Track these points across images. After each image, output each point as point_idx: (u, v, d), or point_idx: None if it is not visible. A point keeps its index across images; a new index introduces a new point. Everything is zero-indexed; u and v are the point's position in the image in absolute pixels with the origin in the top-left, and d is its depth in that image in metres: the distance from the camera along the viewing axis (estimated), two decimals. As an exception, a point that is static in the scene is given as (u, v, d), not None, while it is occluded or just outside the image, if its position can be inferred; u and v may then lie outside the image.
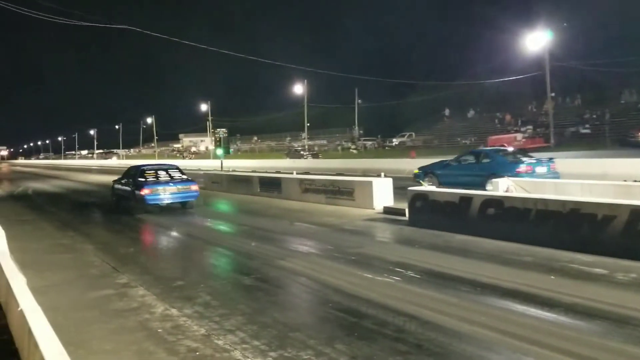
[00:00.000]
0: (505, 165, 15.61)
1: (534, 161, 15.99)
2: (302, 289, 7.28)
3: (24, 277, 5.94)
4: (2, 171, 71.62)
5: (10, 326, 5.51)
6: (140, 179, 16.47)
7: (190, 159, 77.52)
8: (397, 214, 13.12)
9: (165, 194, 15.99)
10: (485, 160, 16.61)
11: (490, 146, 42.50)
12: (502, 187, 13.23)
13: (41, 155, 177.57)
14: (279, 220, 13.85)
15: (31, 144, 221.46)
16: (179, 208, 16.72)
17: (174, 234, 12.59)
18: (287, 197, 18.49)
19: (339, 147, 66.10)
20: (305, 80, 61.76)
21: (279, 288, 7.35)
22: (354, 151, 58.74)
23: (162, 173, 16.90)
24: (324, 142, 76.65)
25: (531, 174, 15.10)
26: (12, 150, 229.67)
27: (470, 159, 17.29)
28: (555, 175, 15.60)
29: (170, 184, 16.27)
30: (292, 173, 25.18)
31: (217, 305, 6.59)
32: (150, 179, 16.44)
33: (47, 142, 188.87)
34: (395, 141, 63.05)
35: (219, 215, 16.28)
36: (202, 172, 29.82)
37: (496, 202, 10.12)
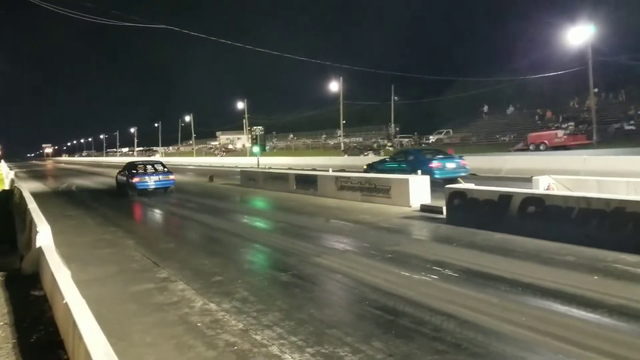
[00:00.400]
0: (423, 162, 18.76)
1: (444, 158, 19.31)
2: (339, 286, 7.28)
3: (68, 270, 6.11)
4: (47, 168, 74.04)
5: (55, 318, 5.69)
6: (133, 171, 21.94)
7: (221, 156, 78.42)
8: (435, 211, 12.98)
9: (150, 182, 21.55)
10: (410, 158, 20.04)
11: (530, 143, 41.75)
12: (542, 185, 12.93)
13: (84, 153, 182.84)
14: (314, 217, 13.88)
15: (74, 142, 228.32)
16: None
17: (213, 230, 12.76)
18: (322, 194, 18.52)
19: (375, 145, 65.75)
20: (341, 78, 61.63)
21: (316, 285, 7.36)
22: (390, 148, 58.34)
23: (149, 167, 22.56)
24: (360, 139, 76.42)
25: (442, 169, 18.53)
26: (56, 147, 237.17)
27: (401, 157, 21.11)
28: (465, 170, 19.26)
29: (154, 175, 21.82)
30: (327, 170, 25.22)
31: (255, 300, 6.65)
32: (140, 171, 21.98)
33: (90, 139, 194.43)
34: (432, 138, 62.38)
35: (256, 212, 16.43)
36: (238, 170, 30.17)
37: (537, 200, 9.90)
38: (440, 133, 63.44)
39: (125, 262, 9.34)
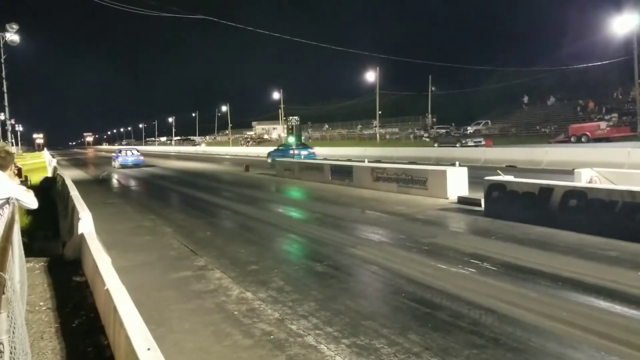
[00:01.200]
0: (288, 151, 31.84)
1: (299, 147, 32.61)
2: (374, 278, 7.25)
3: (109, 257, 6.25)
4: (88, 156, 76.06)
5: (96, 304, 5.83)
6: (118, 153, 38.97)
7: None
8: (472, 204, 12.79)
9: (127, 160, 37.33)
10: (282, 148, 34.92)
11: (572, 135, 40.66)
12: (585, 178, 12.57)
13: (123, 141, 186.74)
14: (350, 208, 13.86)
15: (114, 130, 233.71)
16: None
17: (249, 219, 12.87)
18: (358, 185, 18.46)
19: (411, 136, 65.16)
20: (377, 67, 61.17)
21: (351, 276, 7.35)
22: (427, 139, 57.73)
23: (129, 152, 39.20)
24: (396, 130, 75.81)
25: (298, 155, 30.42)
26: (97, 136, 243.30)
27: (281, 147, 35.63)
28: (313, 156, 32.69)
29: (130, 155, 38.18)
30: (363, 161, 25.12)
31: (290, 290, 6.68)
32: (122, 153, 38.76)
33: (129, 128, 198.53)
34: (469, 129, 61.38)
35: (291, 202, 16.49)
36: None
37: (579, 194, 9.63)
38: (479, 124, 62.36)
39: (163, 250, 9.51)
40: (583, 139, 39.07)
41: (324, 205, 14.78)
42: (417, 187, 15.50)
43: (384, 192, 16.48)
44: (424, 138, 59.31)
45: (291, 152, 30.72)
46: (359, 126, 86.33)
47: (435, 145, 46.30)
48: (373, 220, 11.92)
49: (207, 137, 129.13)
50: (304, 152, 32.64)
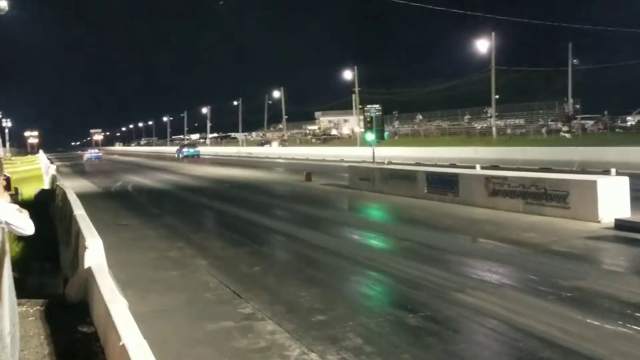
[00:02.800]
0: (181, 149, 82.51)
1: (189, 147, 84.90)
2: (493, 337, 7.10)
3: (125, 300, 6.42)
4: (96, 160, 79.16)
5: (109, 363, 5.99)
6: (182, 148, 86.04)
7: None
8: (637, 230, 12.36)
9: (189, 151, 79.72)
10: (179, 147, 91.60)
11: None
12: None
13: (142, 140, 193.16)
14: (454, 234, 13.72)
15: (130, 126, 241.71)
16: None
17: (311, 249, 12.93)
18: (466, 201, 18.20)
19: (543, 130, 63.61)
20: (493, 33, 59.98)
21: (458, 333, 7.25)
22: (566, 135, 56.18)
23: (92, 150, 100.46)
24: (521, 121, 74.20)
25: (190, 153, 77.01)
26: (107, 134, 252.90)
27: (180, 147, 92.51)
28: (198, 152, 79.55)
29: (190, 148, 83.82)
30: (473, 167, 24.79)
31: (373, 352, 6.65)
32: (88, 150, 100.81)
33: (150, 123, 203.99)
34: (630, 120, 59.27)
35: (370, 224, 16.45)
36: (345, 165, 30.40)
37: None
38: (643, 112, 60.21)
39: (196, 290, 9.70)
40: None
41: (417, 229, 14.65)
42: (554, 204, 15.10)
43: (504, 212, 16.16)
44: (562, 133, 57.72)
45: (183, 150, 60.47)
46: (467, 116, 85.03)
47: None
48: (489, 252, 11.73)
49: (254, 134, 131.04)
50: (191, 150, 68.75)
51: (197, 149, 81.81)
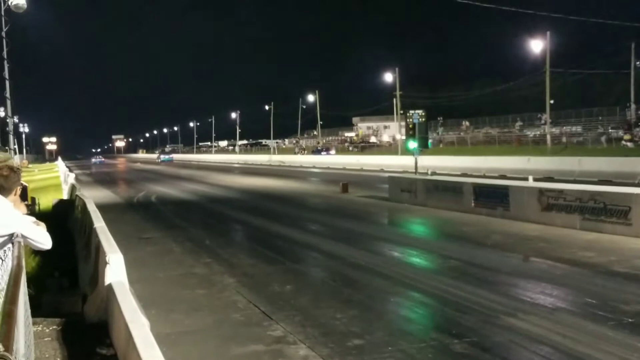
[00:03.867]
0: (163, 156, 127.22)
1: (167, 154, 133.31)
2: (547, 366, 7.01)
3: (147, 320, 6.45)
4: (118, 168, 79.99)
5: (130, 389, 6.01)
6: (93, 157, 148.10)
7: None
8: None
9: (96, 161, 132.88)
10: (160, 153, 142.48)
11: None
12: None
13: (167, 148, 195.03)
14: (505, 253, 13.62)
15: (154, 132, 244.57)
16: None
17: (347, 267, 12.91)
18: (517, 216, 18.05)
19: (603, 138, 62.82)
20: (548, 33, 59.45)
21: (509, 361, 7.16)
22: (628, 144, 55.41)
23: (98, 157, 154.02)
24: (578, 129, 73.42)
25: (165, 159, 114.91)
26: (130, 140, 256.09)
27: (161, 153, 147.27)
28: (171, 159, 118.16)
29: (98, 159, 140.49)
30: (526, 179, 24.57)
31: (414, 381, 6.59)
32: (94, 158, 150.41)
33: (176, 128, 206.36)
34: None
35: (413, 241, 16.37)
36: (385, 175, 30.30)
37: None
38: None
39: (223, 310, 9.74)
40: None
41: (463, 247, 14.55)
42: (614, 220, 14.92)
43: (559, 228, 16.02)
44: (623, 142, 56.89)
45: (161, 158, 75.45)
46: (518, 123, 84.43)
47: None
48: (542, 272, 11.62)
49: (287, 141, 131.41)
50: (167, 157, 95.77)
51: (171, 156, 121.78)
